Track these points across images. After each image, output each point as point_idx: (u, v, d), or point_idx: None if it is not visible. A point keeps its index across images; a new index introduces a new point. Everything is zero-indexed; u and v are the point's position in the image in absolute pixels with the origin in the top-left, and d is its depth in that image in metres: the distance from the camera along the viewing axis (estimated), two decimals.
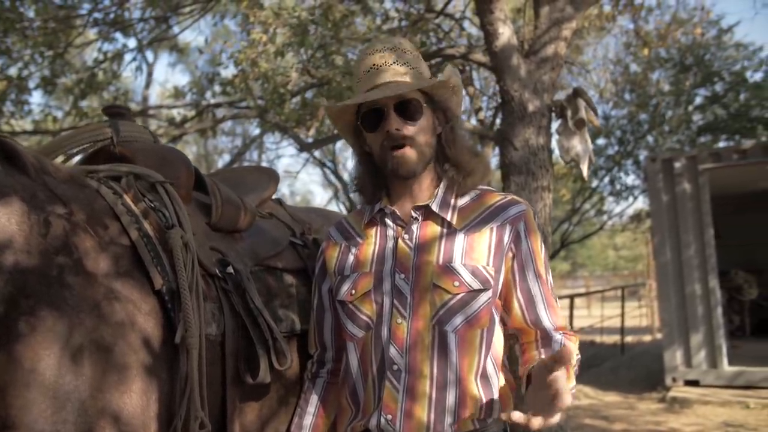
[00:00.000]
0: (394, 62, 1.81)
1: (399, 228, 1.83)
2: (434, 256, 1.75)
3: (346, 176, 20.29)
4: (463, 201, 1.84)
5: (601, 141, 15.30)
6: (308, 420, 1.92)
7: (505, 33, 4.80)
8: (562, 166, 10.99)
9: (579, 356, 1.77)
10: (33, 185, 1.55)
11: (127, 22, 7.71)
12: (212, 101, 8.75)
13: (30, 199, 1.51)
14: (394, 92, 1.73)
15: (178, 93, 8.35)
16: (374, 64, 1.82)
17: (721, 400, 8.46)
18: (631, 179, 17.39)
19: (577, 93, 4.77)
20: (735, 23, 20.00)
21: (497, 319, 1.80)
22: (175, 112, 9.64)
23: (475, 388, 1.71)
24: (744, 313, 12.74)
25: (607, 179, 16.38)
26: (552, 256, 12.11)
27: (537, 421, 1.39)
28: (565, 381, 1.40)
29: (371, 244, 1.86)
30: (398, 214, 1.84)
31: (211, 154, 22.37)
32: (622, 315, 14.49)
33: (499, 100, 5.59)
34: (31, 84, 7.73)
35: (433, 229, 1.79)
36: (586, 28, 8.33)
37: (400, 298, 1.75)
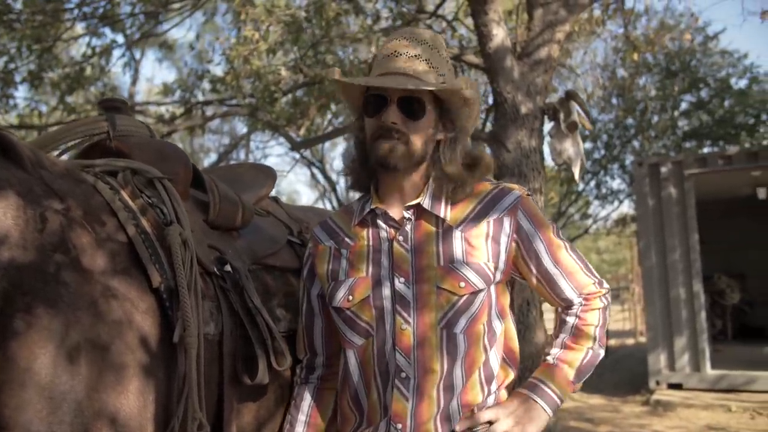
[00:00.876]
0: (416, 55, 1.73)
1: (392, 230, 1.76)
2: (434, 257, 1.70)
3: (334, 176, 20.28)
4: (454, 196, 1.76)
5: (587, 145, 15.39)
6: (300, 428, 1.85)
7: (499, 34, 4.80)
8: (550, 168, 11.03)
9: (603, 308, 1.79)
10: (29, 179, 1.51)
11: (116, 17, 7.63)
12: (201, 98, 8.68)
13: (26, 194, 1.47)
14: (399, 85, 1.66)
15: (167, 90, 8.27)
16: (396, 51, 1.74)
17: (704, 403, 8.53)
18: (616, 183, 17.52)
19: (570, 96, 4.78)
20: (721, 30, 20.18)
21: (495, 308, 1.75)
22: (163, 109, 9.55)
23: (479, 386, 1.70)
24: (726, 318, 12.85)
25: (593, 183, 16.49)
26: None
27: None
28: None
29: (364, 246, 1.79)
30: (390, 215, 1.77)
31: (197, 153, 22.21)
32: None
33: (492, 102, 5.58)
34: (17, 78, 7.64)
35: (428, 228, 1.73)
36: (576, 32, 8.35)
37: (403, 303, 1.69)
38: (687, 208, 9.55)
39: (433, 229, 1.73)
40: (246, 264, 1.92)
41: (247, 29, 6.30)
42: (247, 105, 7.10)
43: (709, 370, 9.30)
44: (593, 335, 1.77)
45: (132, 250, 1.61)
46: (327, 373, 1.90)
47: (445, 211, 1.73)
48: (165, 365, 1.57)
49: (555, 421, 6.06)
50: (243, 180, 2.30)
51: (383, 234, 1.77)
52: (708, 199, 11.16)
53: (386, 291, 1.71)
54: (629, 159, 15.53)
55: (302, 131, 7.01)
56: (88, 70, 7.77)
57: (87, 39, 7.91)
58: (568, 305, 1.80)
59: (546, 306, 4.20)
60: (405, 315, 1.68)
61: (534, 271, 1.77)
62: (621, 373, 11.40)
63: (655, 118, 15.43)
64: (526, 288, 4.46)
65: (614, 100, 15.30)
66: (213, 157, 21.30)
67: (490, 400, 1.71)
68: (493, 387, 1.73)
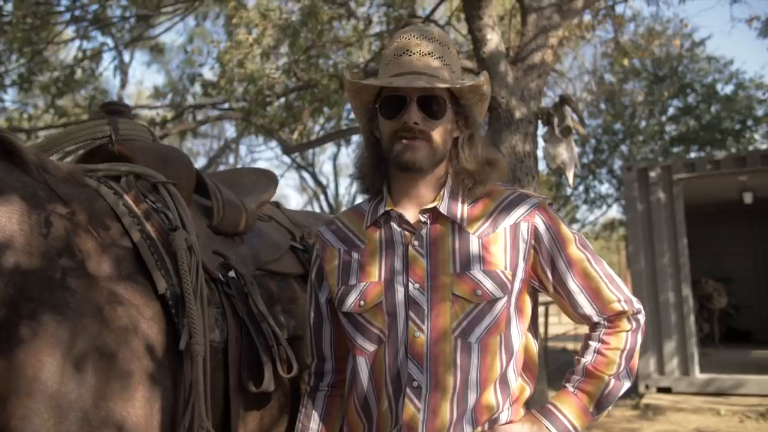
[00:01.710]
0: (429, 53, 1.68)
1: (407, 233, 1.70)
2: (449, 263, 1.64)
3: (324, 180, 20.27)
4: (470, 200, 1.72)
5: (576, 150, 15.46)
6: None
7: (493, 39, 4.80)
8: (542, 173, 11.05)
9: (629, 333, 1.66)
10: (34, 184, 1.49)
11: (108, 20, 7.56)
12: (193, 102, 8.61)
13: (31, 198, 1.44)
14: (423, 84, 1.61)
15: (158, 93, 8.21)
16: (408, 49, 1.69)
17: (693, 406, 8.56)
18: (605, 188, 17.62)
19: (564, 100, 4.79)
20: (707, 36, 20.42)
21: (514, 319, 1.69)
22: (154, 112, 9.48)
23: (493, 398, 1.64)
24: (713, 322, 12.91)
25: (581, 188, 16.56)
26: None
27: None
28: None
29: (377, 250, 1.72)
30: (406, 218, 1.70)
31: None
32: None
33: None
34: (7, 81, 7.55)
35: (444, 233, 1.67)
36: (566, 38, 8.39)
37: (416, 310, 1.63)
38: (675, 212, 9.61)
39: (450, 234, 1.67)
40: (250, 270, 1.89)
41: (241, 33, 6.27)
42: (240, 109, 7.06)
43: (698, 374, 9.34)
44: (617, 361, 1.65)
45: (137, 255, 1.59)
46: (336, 379, 1.85)
47: (461, 216, 1.68)
48: (171, 373, 1.55)
49: None
50: (244, 184, 2.27)
51: (397, 237, 1.70)
52: (695, 204, 11.24)
53: (399, 296, 1.66)
54: (617, 164, 15.64)
55: (296, 135, 6.98)
56: (79, 74, 7.70)
57: (77, 42, 7.89)
58: (590, 324, 1.71)
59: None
60: (418, 322, 1.63)
61: (552, 282, 1.70)
62: None
63: (643, 123, 15.54)
64: None
65: (602, 105, 15.40)
66: (202, 161, 21.17)
67: (504, 416, 1.65)
68: (509, 401, 1.67)
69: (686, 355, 9.33)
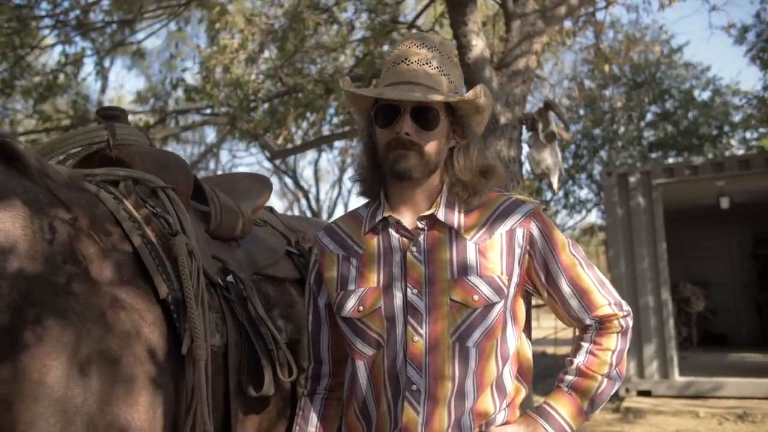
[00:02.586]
0: (427, 62, 1.70)
1: (405, 239, 1.71)
2: (447, 269, 1.66)
3: (305, 185, 20.24)
4: (467, 207, 1.74)
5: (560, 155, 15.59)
6: None
7: (478, 45, 4.84)
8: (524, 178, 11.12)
9: (619, 334, 1.71)
10: (35, 188, 1.48)
11: (91, 25, 7.50)
12: (175, 107, 8.57)
13: (33, 203, 1.44)
14: (412, 98, 1.62)
15: (141, 98, 8.16)
16: (406, 59, 1.70)
17: (673, 409, 8.66)
18: (584, 193, 17.76)
19: (549, 106, 4.84)
20: (685, 43, 20.72)
21: (509, 323, 1.73)
22: (137, 117, 9.40)
23: (490, 400, 1.67)
24: (691, 325, 13.07)
25: (561, 193, 16.69)
26: None
27: None
28: None
29: (375, 255, 1.74)
30: (403, 223, 1.72)
31: None
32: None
33: None
34: None
35: (441, 239, 1.69)
36: (548, 44, 8.48)
37: (415, 315, 1.65)
38: (655, 217, 9.73)
39: (447, 240, 1.70)
40: (248, 274, 1.90)
41: (227, 38, 6.26)
42: (225, 114, 7.04)
43: (677, 377, 9.45)
44: (609, 362, 1.69)
45: (137, 260, 1.59)
46: (334, 383, 1.86)
47: (458, 222, 1.70)
48: (173, 377, 1.55)
49: None
50: (238, 189, 2.28)
51: (395, 243, 1.72)
52: (673, 209, 11.39)
53: (398, 301, 1.68)
54: (597, 169, 15.79)
55: (280, 140, 6.97)
56: (61, 78, 7.63)
57: (58, 47, 7.79)
58: (581, 326, 1.75)
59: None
60: (417, 327, 1.65)
61: (545, 285, 1.73)
62: None
63: (622, 129, 15.71)
64: None
65: (582, 111, 15.54)
66: None
67: (500, 418, 1.68)
68: (505, 403, 1.70)
69: (666, 359, 9.44)
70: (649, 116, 16.04)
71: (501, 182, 1.81)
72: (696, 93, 16.08)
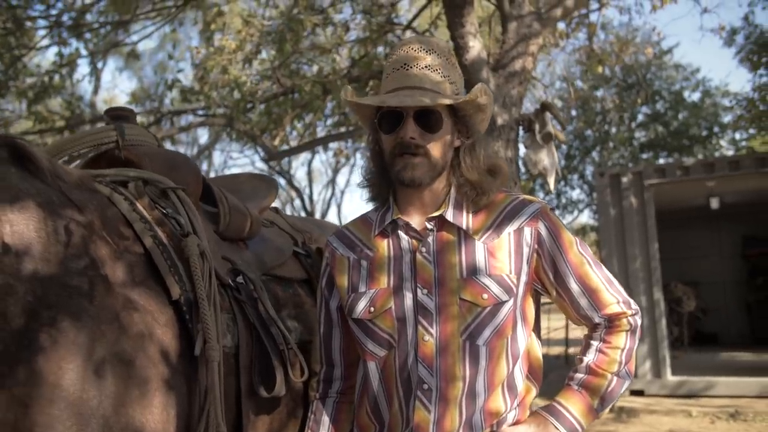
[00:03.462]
0: (426, 66, 1.71)
1: (414, 240, 1.73)
2: (456, 268, 1.67)
3: (299, 186, 20.21)
4: (475, 207, 1.75)
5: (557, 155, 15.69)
6: None
7: (475, 47, 4.85)
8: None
9: (629, 333, 1.72)
10: (48, 190, 1.47)
11: (88, 26, 7.46)
12: (170, 108, 8.52)
13: (47, 205, 1.43)
14: (414, 104, 1.64)
15: (136, 99, 8.13)
16: (405, 64, 1.72)
17: (666, 409, 8.70)
18: (576, 193, 17.83)
19: (545, 107, 4.85)
20: (675, 45, 20.86)
21: (519, 322, 1.73)
22: None
23: (501, 399, 1.68)
24: (683, 325, 13.14)
25: (552, 194, 16.74)
26: None
27: None
28: None
29: (385, 257, 1.75)
30: (412, 225, 1.74)
31: None
32: (567, 326, 14.74)
33: None
34: None
35: (450, 239, 1.71)
36: (543, 45, 8.52)
37: (425, 314, 1.66)
38: (647, 217, 9.77)
39: (455, 240, 1.71)
40: (257, 275, 1.90)
41: (225, 39, 6.24)
42: (223, 115, 7.02)
43: (670, 377, 9.50)
44: (618, 360, 1.70)
45: (149, 261, 1.59)
46: (345, 386, 1.87)
47: (467, 223, 1.72)
48: (186, 378, 1.55)
49: None
50: (244, 190, 2.27)
51: (405, 245, 1.74)
52: (664, 209, 11.45)
53: (408, 302, 1.69)
54: (589, 170, 15.86)
55: (277, 141, 6.96)
56: (56, 79, 7.58)
57: (52, 48, 7.77)
58: (590, 324, 1.76)
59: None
60: (427, 326, 1.66)
61: (554, 284, 1.74)
62: None
63: (614, 130, 15.80)
64: None
65: (573, 112, 15.61)
66: None
67: (511, 417, 1.70)
68: (516, 402, 1.71)
69: (658, 358, 9.48)
70: (640, 117, 16.14)
71: (506, 181, 1.83)
72: (686, 94, 16.21)
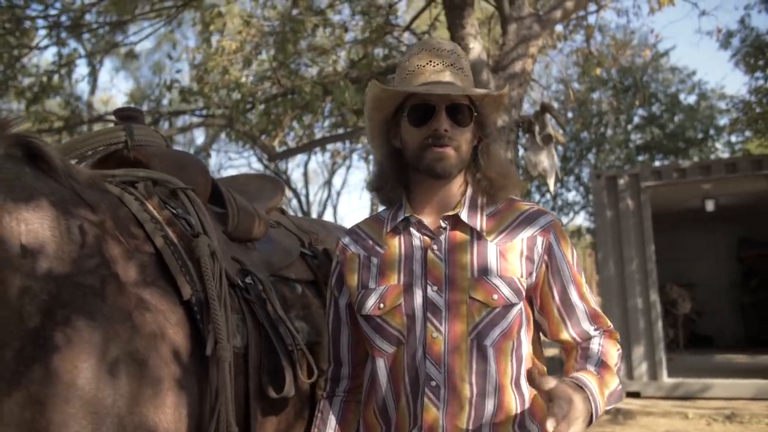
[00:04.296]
0: (452, 64, 1.75)
1: (426, 238, 1.75)
2: (467, 267, 1.69)
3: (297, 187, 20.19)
4: (490, 210, 1.78)
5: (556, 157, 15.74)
6: None
7: (475, 48, 4.86)
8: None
9: (620, 351, 1.73)
10: (61, 189, 1.48)
11: (87, 26, 7.44)
12: (169, 108, 8.51)
13: (60, 204, 1.44)
14: (455, 92, 1.68)
15: (135, 99, 8.11)
16: (431, 61, 1.75)
17: (662, 410, 8.73)
18: (572, 195, 17.88)
19: (545, 108, 4.87)
20: (671, 47, 20.92)
21: (524, 326, 1.75)
22: None
23: (512, 398, 1.68)
24: (678, 327, 13.19)
25: (549, 195, 16.78)
26: None
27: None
28: (573, 410, 1.39)
29: (396, 254, 1.77)
30: (425, 223, 1.76)
31: None
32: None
33: None
34: None
35: (463, 239, 1.72)
36: (543, 47, 8.55)
37: (434, 311, 1.68)
38: (643, 219, 9.81)
39: (468, 239, 1.73)
40: (266, 276, 1.90)
41: (225, 40, 6.24)
42: (222, 115, 7.01)
43: (666, 379, 9.53)
44: (617, 362, 1.70)
45: (160, 261, 1.59)
46: (352, 385, 1.88)
47: (481, 224, 1.74)
48: (197, 378, 1.55)
49: None
50: (249, 191, 2.28)
51: (416, 242, 1.76)
52: (660, 212, 11.49)
53: (418, 299, 1.70)
54: (585, 172, 15.91)
55: (276, 142, 6.96)
56: (56, 79, 7.56)
57: (50, 48, 7.77)
58: (584, 336, 1.74)
59: None
60: (436, 323, 1.67)
61: (556, 297, 1.74)
62: None
63: (610, 132, 15.85)
64: None
65: (570, 114, 15.66)
66: None
67: (519, 404, 1.69)
68: (525, 402, 1.71)
69: (654, 360, 9.51)
70: (636, 119, 16.20)
71: (518, 184, 1.88)
72: (682, 97, 16.27)
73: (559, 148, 15.95)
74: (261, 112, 6.45)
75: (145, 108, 8.66)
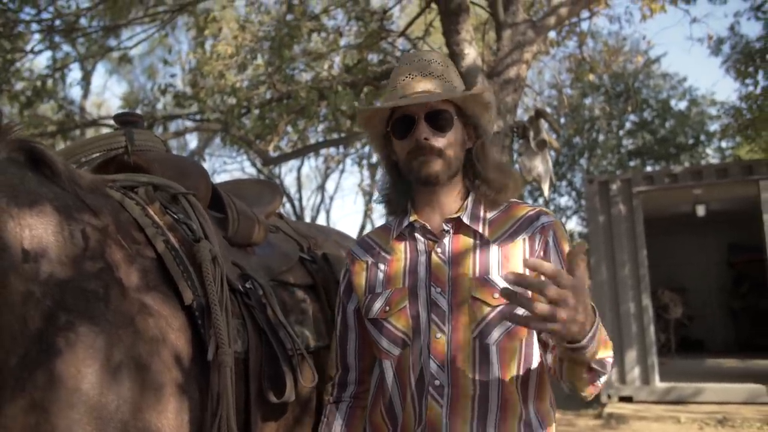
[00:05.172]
0: (430, 72, 1.78)
1: (430, 242, 1.78)
2: (470, 268, 1.71)
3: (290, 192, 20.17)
4: (492, 213, 1.80)
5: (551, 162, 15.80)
6: None
7: (470, 54, 4.88)
8: None
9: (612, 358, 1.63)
10: (64, 194, 1.48)
11: (82, 30, 7.43)
12: (163, 113, 8.50)
13: (64, 209, 1.44)
14: (422, 100, 1.71)
15: (129, 103, 8.10)
16: (409, 74, 1.79)
17: (655, 415, 8.76)
18: (564, 200, 17.94)
19: (540, 114, 4.89)
20: (662, 54, 21.06)
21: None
22: None
23: (517, 397, 1.69)
24: (670, 331, 13.23)
25: (541, 200, 16.82)
26: None
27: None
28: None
29: (401, 259, 1.81)
30: (429, 227, 1.79)
31: None
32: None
33: None
34: None
35: (466, 241, 1.75)
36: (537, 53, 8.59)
37: (438, 312, 1.70)
38: (636, 224, 9.85)
39: (471, 241, 1.76)
40: (266, 280, 1.90)
41: (220, 44, 6.24)
42: (216, 120, 7.01)
43: (658, 383, 9.56)
44: (611, 347, 1.65)
45: (161, 266, 1.59)
46: (359, 390, 1.90)
47: (483, 227, 1.76)
48: (198, 384, 1.55)
49: None
50: (248, 196, 2.28)
51: (421, 246, 1.79)
52: (651, 216, 11.54)
53: (422, 300, 1.73)
54: (577, 176, 15.96)
55: (271, 147, 6.96)
56: (49, 84, 7.53)
57: (44, 52, 7.76)
58: None
59: None
60: (439, 323, 1.70)
61: None
62: None
63: (601, 137, 15.92)
64: None
65: (562, 119, 15.72)
66: None
67: (525, 413, 1.70)
68: (531, 401, 1.71)
69: (647, 365, 9.54)
70: (627, 125, 16.28)
71: (519, 182, 1.89)
72: (673, 103, 16.37)
73: (552, 153, 16.03)
74: (256, 116, 6.46)
75: (139, 112, 8.64)
